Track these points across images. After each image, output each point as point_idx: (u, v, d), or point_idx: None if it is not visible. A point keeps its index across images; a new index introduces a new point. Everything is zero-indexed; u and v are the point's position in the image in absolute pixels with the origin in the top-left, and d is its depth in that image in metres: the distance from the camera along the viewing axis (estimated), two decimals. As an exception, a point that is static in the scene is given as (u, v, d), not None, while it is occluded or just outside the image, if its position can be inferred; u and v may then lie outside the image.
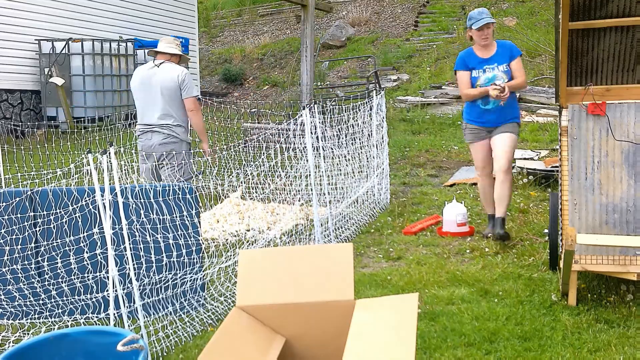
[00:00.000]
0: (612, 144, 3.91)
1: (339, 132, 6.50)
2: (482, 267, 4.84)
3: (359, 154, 6.70)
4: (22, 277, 4.01)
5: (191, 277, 4.08)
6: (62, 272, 3.90)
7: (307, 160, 5.34)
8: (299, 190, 5.95)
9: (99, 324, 3.82)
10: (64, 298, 3.96)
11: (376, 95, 7.13)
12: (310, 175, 5.31)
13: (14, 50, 12.32)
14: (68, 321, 3.87)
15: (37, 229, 4.04)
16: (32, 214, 4.04)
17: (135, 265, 3.73)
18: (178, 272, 4.02)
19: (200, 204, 4.33)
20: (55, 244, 3.95)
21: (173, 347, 3.72)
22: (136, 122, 5.84)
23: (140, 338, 2.61)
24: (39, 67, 12.50)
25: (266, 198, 6.31)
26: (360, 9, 19.95)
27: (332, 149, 6.44)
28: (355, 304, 2.56)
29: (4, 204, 4.01)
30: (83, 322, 3.90)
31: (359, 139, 6.73)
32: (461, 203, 5.95)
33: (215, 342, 2.37)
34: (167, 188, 4.01)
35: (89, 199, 3.76)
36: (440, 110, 12.10)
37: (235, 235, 5.74)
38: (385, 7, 20.18)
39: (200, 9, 19.66)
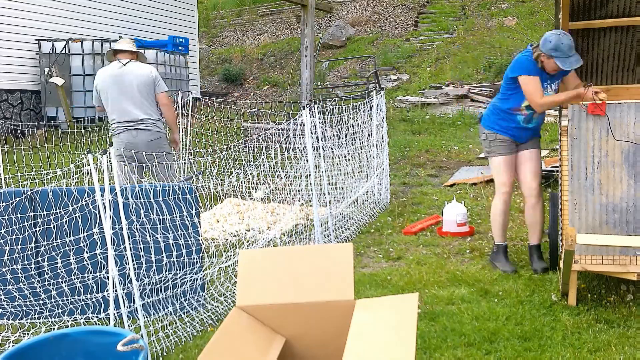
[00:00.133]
0: (612, 144, 3.91)
1: (339, 132, 6.50)
2: (482, 267, 4.84)
3: (359, 154, 6.71)
4: (22, 277, 4.01)
5: (191, 277, 4.08)
6: (62, 272, 3.90)
7: (307, 160, 5.34)
8: (299, 190, 5.95)
9: (99, 324, 3.82)
10: (64, 298, 3.96)
11: (376, 95, 7.13)
12: (310, 175, 5.31)
13: (14, 50, 12.32)
14: (68, 321, 3.87)
15: (37, 229, 4.04)
16: (32, 214, 4.04)
17: (135, 265, 3.73)
18: (178, 272, 4.02)
19: (200, 204, 4.33)
20: (55, 244, 3.95)
21: (173, 347, 3.72)
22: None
23: (140, 338, 2.61)
24: (39, 67, 12.51)
25: (266, 198, 6.32)
26: (360, 9, 19.95)
27: (332, 149, 6.44)
28: (355, 304, 2.56)
29: (4, 204, 4.01)
30: (83, 322, 3.90)
31: (359, 139, 6.73)
32: (461, 203, 5.95)
33: (215, 342, 2.37)
34: (167, 188, 4.01)
35: (89, 199, 3.77)
36: (440, 110, 12.10)
37: (235, 235, 5.74)
38: (385, 7, 20.18)
39: (200, 9, 19.66)
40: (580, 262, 3.90)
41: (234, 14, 22.91)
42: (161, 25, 15.50)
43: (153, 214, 3.92)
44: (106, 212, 3.48)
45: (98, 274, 3.85)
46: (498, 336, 3.64)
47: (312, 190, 5.32)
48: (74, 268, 3.91)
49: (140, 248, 3.86)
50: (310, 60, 12.77)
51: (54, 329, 3.79)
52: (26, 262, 4.01)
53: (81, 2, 13.58)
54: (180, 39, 15.05)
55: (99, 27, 13.78)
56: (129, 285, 3.65)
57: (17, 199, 4.01)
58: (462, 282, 4.53)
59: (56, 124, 12.02)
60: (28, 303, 4.03)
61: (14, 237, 3.99)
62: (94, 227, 3.72)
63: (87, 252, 3.82)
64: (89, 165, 3.54)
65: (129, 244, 3.63)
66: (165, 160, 5.77)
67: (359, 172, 6.64)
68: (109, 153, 3.57)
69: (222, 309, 4.16)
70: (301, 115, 5.37)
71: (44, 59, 12.38)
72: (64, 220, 3.93)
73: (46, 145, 8.57)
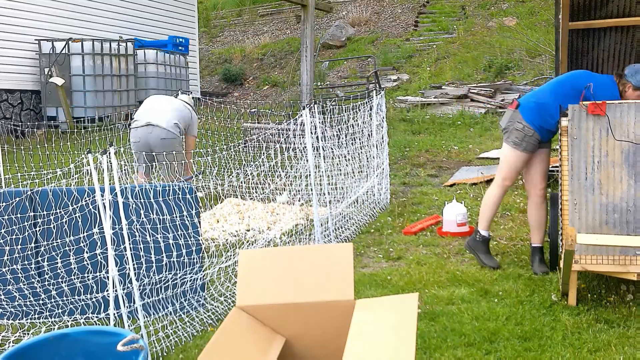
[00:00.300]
0: (612, 144, 3.91)
1: (339, 132, 6.50)
2: (482, 267, 4.84)
3: (359, 154, 6.70)
4: (22, 277, 4.01)
5: (191, 277, 4.08)
6: (62, 272, 3.90)
7: (307, 160, 5.34)
8: (299, 190, 5.95)
9: (99, 324, 3.82)
10: (64, 298, 3.96)
11: (376, 95, 7.13)
12: (310, 175, 5.31)
13: (14, 50, 12.33)
14: (68, 321, 3.87)
15: (37, 229, 4.04)
16: (32, 214, 4.04)
17: (135, 265, 3.73)
18: (178, 272, 4.02)
19: (200, 204, 4.33)
20: (55, 244, 3.94)
21: (173, 347, 3.72)
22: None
23: (140, 338, 2.61)
24: (39, 67, 12.51)
25: (266, 198, 6.32)
26: (360, 9, 19.95)
27: (332, 149, 6.44)
28: (355, 304, 2.56)
29: (4, 204, 4.01)
30: (83, 322, 3.90)
31: (359, 139, 6.73)
32: (461, 203, 5.95)
33: (215, 342, 2.37)
34: (167, 188, 4.01)
35: (89, 199, 3.76)
36: (440, 110, 12.11)
37: (235, 235, 5.74)
38: (385, 7, 20.19)
39: (200, 9, 19.67)
40: (580, 262, 3.90)
41: (234, 14, 22.91)
42: (161, 25, 15.50)
43: (153, 214, 3.92)
44: (106, 212, 3.48)
45: (98, 274, 3.85)
46: (498, 336, 3.64)
47: (312, 190, 5.32)
48: (74, 268, 3.91)
49: (140, 248, 3.86)
50: (310, 60, 12.77)
51: (54, 329, 3.79)
52: (26, 262, 4.00)
53: (81, 2, 13.58)
54: (180, 39, 15.07)
55: (99, 27, 13.79)
56: (129, 285, 3.65)
57: (17, 199, 4.01)
58: (462, 282, 4.53)
59: (56, 124, 12.02)
60: (28, 303, 4.03)
61: (14, 237, 3.99)
62: (94, 227, 3.72)
63: (87, 252, 3.82)
64: (89, 165, 3.54)
65: (129, 244, 3.63)
66: (175, 159, 6.15)
67: (359, 172, 6.64)
68: (109, 153, 3.57)
69: (222, 309, 4.16)
70: (301, 115, 5.37)
71: (44, 59, 12.38)
72: (64, 220, 3.92)
73: (46, 145, 8.57)
